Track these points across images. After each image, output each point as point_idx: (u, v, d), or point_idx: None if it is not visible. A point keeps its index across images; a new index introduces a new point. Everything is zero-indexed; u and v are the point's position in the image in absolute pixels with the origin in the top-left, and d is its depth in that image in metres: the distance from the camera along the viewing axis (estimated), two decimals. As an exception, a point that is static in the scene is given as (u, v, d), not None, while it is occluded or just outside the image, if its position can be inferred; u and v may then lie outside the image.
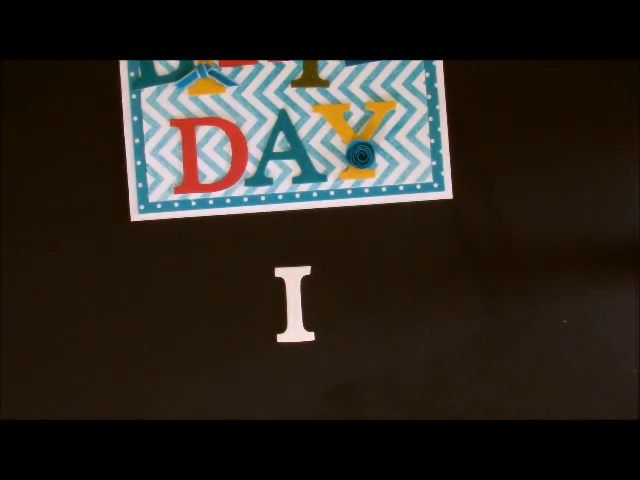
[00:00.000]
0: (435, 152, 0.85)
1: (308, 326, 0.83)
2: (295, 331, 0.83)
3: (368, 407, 0.80)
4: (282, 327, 0.84)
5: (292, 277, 0.84)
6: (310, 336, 0.83)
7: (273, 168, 0.85)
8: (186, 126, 0.85)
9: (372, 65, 0.85)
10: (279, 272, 0.84)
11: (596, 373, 0.84)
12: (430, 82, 0.85)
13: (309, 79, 0.86)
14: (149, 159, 0.85)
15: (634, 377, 0.83)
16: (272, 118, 0.86)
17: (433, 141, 0.85)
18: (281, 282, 0.84)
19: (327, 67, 0.85)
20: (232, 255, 0.85)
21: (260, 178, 0.85)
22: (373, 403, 0.79)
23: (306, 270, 0.84)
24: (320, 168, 0.85)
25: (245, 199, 0.85)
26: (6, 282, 0.84)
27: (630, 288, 0.84)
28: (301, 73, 0.86)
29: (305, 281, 0.84)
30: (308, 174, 0.85)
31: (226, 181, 0.85)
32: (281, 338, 0.83)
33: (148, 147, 0.85)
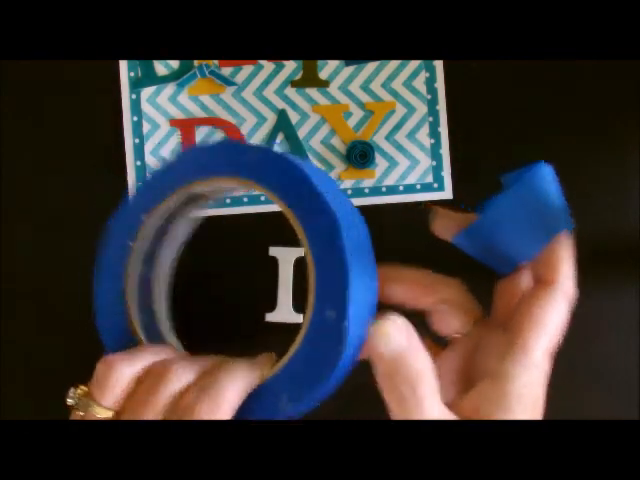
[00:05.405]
0: (435, 152, 0.85)
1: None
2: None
3: (368, 407, 0.79)
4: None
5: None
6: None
7: (273, 168, 0.85)
8: (186, 126, 0.85)
9: (372, 65, 0.85)
10: (279, 272, 0.84)
11: (596, 373, 0.84)
12: (430, 82, 0.85)
13: (309, 79, 0.86)
14: (149, 159, 0.85)
15: (634, 377, 0.83)
16: (272, 118, 0.85)
17: (433, 141, 0.85)
18: (281, 282, 0.84)
19: (327, 67, 0.85)
20: (232, 255, 0.85)
21: (260, 178, 0.85)
22: (373, 403, 0.79)
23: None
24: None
25: (245, 199, 0.85)
26: (6, 282, 0.84)
27: (630, 288, 0.84)
28: (301, 73, 0.85)
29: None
30: (308, 174, 0.85)
31: (226, 181, 0.85)
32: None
33: (148, 147, 0.85)
